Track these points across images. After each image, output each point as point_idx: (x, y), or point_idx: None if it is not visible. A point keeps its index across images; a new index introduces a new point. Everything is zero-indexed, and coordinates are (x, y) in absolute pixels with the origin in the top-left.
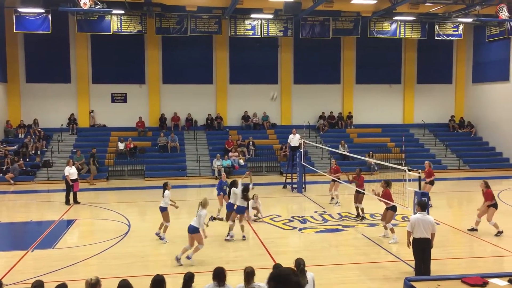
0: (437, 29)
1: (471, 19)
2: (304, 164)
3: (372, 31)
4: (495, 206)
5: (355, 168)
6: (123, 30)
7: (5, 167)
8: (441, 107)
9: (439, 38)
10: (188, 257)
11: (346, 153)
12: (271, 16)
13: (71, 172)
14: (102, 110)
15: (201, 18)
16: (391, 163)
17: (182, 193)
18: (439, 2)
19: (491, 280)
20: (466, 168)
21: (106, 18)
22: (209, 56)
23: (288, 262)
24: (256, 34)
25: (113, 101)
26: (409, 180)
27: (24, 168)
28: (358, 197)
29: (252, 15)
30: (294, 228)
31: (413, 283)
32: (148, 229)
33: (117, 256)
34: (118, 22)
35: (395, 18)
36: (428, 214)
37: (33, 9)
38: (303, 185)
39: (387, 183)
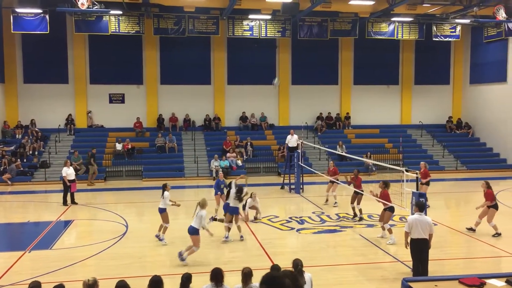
0: (435, 30)
1: (469, 20)
2: (302, 164)
3: (370, 32)
4: (495, 207)
5: (353, 168)
6: (121, 31)
7: (2, 167)
8: (439, 108)
9: (437, 39)
10: (182, 259)
11: (344, 153)
12: (269, 17)
13: (69, 172)
14: (100, 111)
15: (199, 19)
16: (389, 164)
17: (180, 193)
18: (436, 3)
19: (488, 281)
20: (464, 169)
21: (104, 19)
22: (207, 57)
23: (286, 263)
24: (254, 35)
25: (110, 101)
26: (407, 181)
27: (22, 168)
28: (356, 198)
29: (250, 16)
30: (292, 228)
31: (411, 284)
32: (146, 230)
33: (115, 256)
34: (116, 23)
35: (393, 19)
36: (426, 215)
37: (30, 9)
38: (301, 186)
39: (386, 184)
